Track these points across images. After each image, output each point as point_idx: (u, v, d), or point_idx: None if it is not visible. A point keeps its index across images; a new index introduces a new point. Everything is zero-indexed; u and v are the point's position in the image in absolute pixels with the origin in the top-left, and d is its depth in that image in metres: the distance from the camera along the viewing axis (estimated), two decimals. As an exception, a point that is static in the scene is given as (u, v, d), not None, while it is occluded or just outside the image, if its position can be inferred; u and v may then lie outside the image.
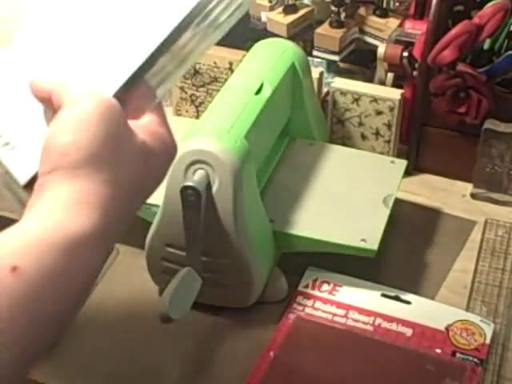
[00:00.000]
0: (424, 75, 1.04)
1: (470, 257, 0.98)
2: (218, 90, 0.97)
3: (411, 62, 1.07)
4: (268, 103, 0.90)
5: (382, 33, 1.16)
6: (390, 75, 1.11)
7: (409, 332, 0.86)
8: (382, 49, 1.09)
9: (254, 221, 0.85)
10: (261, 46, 1.00)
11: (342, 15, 1.18)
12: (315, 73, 1.07)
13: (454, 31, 0.98)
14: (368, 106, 1.07)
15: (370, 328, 0.87)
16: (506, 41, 1.02)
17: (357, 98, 1.07)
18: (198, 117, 1.19)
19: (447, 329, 0.86)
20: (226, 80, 0.95)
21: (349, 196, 0.94)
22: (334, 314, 0.88)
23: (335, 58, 1.18)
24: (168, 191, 0.82)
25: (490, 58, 1.02)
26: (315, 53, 1.19)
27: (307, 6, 1.22)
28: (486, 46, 1.03)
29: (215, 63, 1.14)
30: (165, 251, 0.86)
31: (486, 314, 0.89)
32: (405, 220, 1.02)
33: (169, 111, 1.23)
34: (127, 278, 0.94)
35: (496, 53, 1.03)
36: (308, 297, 0.90)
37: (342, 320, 0.88)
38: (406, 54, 1.07)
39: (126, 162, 0.60)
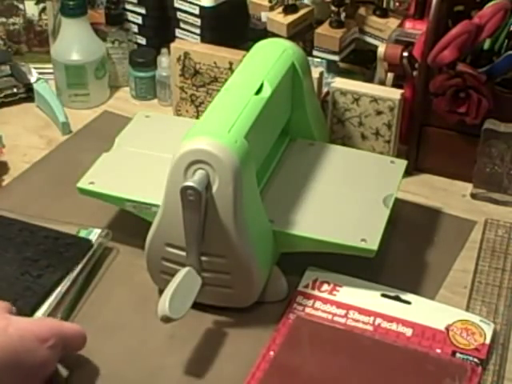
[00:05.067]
0: (424, 75, 1.04)
1: (470, 257, 0.98)
2: (218, 90, 0.97)
3: (411, 62, 1.07)
4: (268, 103, 0.90)
5: (382, 33, 1.16)
6: (390, 75, 1.11)
7: (409, 332, 0.86)
8: (381, 49, 1.09)
9: (253, 221, 0.85)
10: (261, 46, 1.00)
11: (342, 15, 1.18)
12: (315, 73, 1.07)
13: (454, 31, 0.98)
14: (368, 106, 1.07)
15: (370, 328, 0.87)
16: (506, 41, 1.02)
17: (357, 98, 1.07)
18: (198, 117, 1.19)
19: (447, 329, 0.86)
20: (226, 80, 0.95)
21: (349, 196, 0.94)
22: (334, 314, 0.88)
23: (335, 58, 1.18)
24: (168, 191, 0.82)
25: (490, 58, 1.02)
26: (315, 53, 1.19)
27: (307, 6, 1.22)
28: (486, 46, 1.03)
29: (215, 63, 1.14)
30: (165, 251, 0.86)
31: (485, 314, 0.89)
32: (405, 220, 1.02)
33: (169, 111, 1.23)
34: (127, 277, 0.94)
35: (496, 53, 1.03)
36: (308, 297, 0.90)
37: (342, 320, 0.88)
38: (406, 54, 1.07)
39: None
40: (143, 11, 1.27)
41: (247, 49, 1.02)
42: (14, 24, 1.29)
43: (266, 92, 0.91)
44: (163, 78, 1.24)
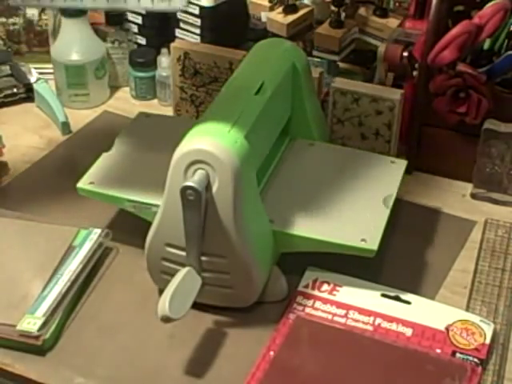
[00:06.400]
0: (424, 75, 1.04)
1: (470, 257, 0.98)
2: (218, 90, 0.97)
3: (411, 62, 1.07)
4: (268, 103, 0.90)
5: (382, 33, 1.16)
6: (390, 75, 1.12)
7: (409, 332, 0.86)
8: (382, 49, 1.09)
9: (253, 221, 0.85)
10: (261, 46, 1.00)
11: (342, 15, 1.19)
12: (315, 73, 1.07)
13: (454, 31, 0.98)
14: (368, 106, 1.07)
15: (370, 328, 0.87)
16: (506, 41, 1.02)
17: (357, 98, 1.07)
18: (198, 117, 1.19)
19: (447, 329, 0.86)
20: (226, 80, 0.95)
21: (349, 196, 0.94)
22: (334, 314, 0.88)
23: (335, 58, 1.18)
24: (168, 191, 0.82)
25: (489, 58, 1.02)
26: (315, 53, 1.19)
27: (307, 6, 1.23)
28: (486, 46, 1.03)
29: (215, 63, 1.14)
30: (165, 251, 0.86)
31: (486, 314, 0.89)
32: (405, 220, 1.02)
33: (169, 111, 1.23)
34: (127, 278, 0.94)
35: (496, 53, 1.03)
36: (308, 297, 0.90)
37: (342, 320, 0.88)
38: (406, 54, 1.07)
39: None
40: (143, 11, 1.27)
41: (247, 49, 1.02)
42: (14, 24, 1.29)
43: (266, 92, 0.91)
44: (163, 78, 1.24)
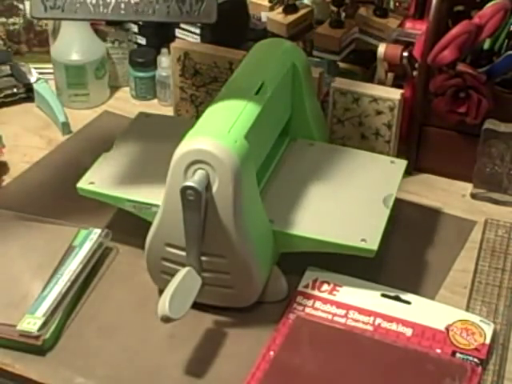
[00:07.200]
0: (424, 75, 1.04)
1: (470, 257, 0.98)
2: (218, 90, 0.97)
3: (411, 62, 1.07)
4: (268, 103, 0.90)
5: (382, 33, 1.16)
6: (390, 75, 1.11)
7: (409, 332, 0.86)
8: (382, 49, 1.09)
9: (253, 221, 0.85)
10: (261, 46, 1.00)
11: (342, 15, 1.19)
12: (315, 73, 1.07)
13: (454, 31, 0.98)
14: (368, 106, 1.07)
15: (370, 328, 0.87)
16: (506, 41, 1.02)
17: (357, 98, 1.07)
18: (198, 117, 1.19)
19: (447, 329, 0.86)
20: (226, 80, 0.95)
21: (349, 196, 0.94)
22: (334, 314, 0.88)
23: (335, 57, 1.18)
24: (168, 191, 0.82)
25: (489, 58, 1.02)
26: (315, 53, 1.19)
27: (307, 6, 1.23)
28: (486, 45, 1.03)
29: (215, 63, 1.14)
30: (165, 251, 0.86)
31: (486, 314, 0.89)
32: (405, 220, 1.02)
33: (169, 111, 1.23)
34: (127, 277, 0.94)
35: (496, 53, 1.03)
36: (308, 297, 0.90)
37: (342, 320, 0.88)
38: (406, 54, 1.07)
39: None
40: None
41: (247, 49, 1.02)
42: (14, 24, 1.29)
43: (266, 92, 0.91)
44: (163, 77, 1.24)
